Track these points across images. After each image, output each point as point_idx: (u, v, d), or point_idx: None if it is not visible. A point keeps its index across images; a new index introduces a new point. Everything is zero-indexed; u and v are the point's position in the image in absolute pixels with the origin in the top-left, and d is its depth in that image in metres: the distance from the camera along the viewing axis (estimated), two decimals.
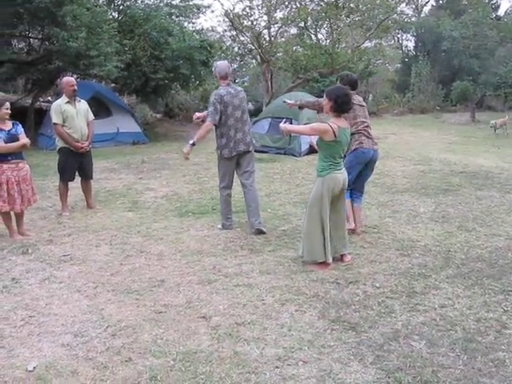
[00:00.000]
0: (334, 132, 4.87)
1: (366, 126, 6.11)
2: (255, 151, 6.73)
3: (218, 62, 6.58)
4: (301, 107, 5.49)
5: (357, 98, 6.10)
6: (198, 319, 4.03)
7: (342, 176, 5.10)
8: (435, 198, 8.09)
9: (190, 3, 18.19)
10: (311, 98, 12.11)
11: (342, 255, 5.33)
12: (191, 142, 6.19)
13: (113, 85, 18.69)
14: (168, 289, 4.64)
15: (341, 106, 4.97)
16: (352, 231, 6.21)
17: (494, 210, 7.41)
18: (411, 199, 8.07)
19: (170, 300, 4.39)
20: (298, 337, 3.73)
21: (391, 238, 6.11)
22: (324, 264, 5.09)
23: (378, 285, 4.68)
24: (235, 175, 6.47)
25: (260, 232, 6.23)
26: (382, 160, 11.88)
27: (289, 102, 6.74)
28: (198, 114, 6.55)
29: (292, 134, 13.33)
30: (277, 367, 3.34)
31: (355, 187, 6.25)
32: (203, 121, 6.32)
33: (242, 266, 5.20)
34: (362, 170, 6.15)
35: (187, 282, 4.78)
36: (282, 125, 5.36)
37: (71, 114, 7.12)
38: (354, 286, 4.67)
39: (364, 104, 6.26)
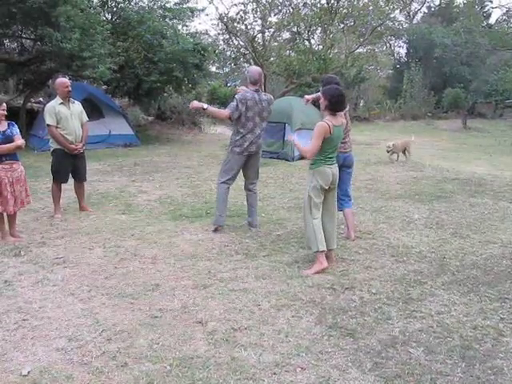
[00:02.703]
0: (330, 130, 5.04)
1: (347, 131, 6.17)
2: None
3: (251, 68, 6.83)
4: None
5: None
6: (193, 324, 3.99)
7: (331, 170, 5.23)
8: (429, 205, 8.10)
9: (184, 6, 18.17)
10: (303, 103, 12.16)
11: (328, 251, 5.34)
12: (205, 106, 6.37)
13: (104, 87, 18.61)
14: (163, 293, 4.60)
15: (335, 105, 5.13)
16: (346, 237, 6.25)
17: (488, 216, 7.43)
18: (405, 205, 8.07)
19: (165, 304, 4.35)
20: (296, 343, 3.70)
21: (386, 244, 6.10)
22: (318, 262, 5.15)
23: (374, 291, 4.66)
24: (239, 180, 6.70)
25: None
26: (374, 165, 11.99)
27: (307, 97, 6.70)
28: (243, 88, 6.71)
29: (285, 138, 13.41)
30: (274, 374, 3.31)
31: (337, 192, 6.27)
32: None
33: (237, 270, 5.17)
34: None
35: (182, 287, 4.74)
36: (293, 138, 5.49)
37: (65, 115, 7.06)
38: (350, 291, 4.66)
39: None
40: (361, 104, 33.18)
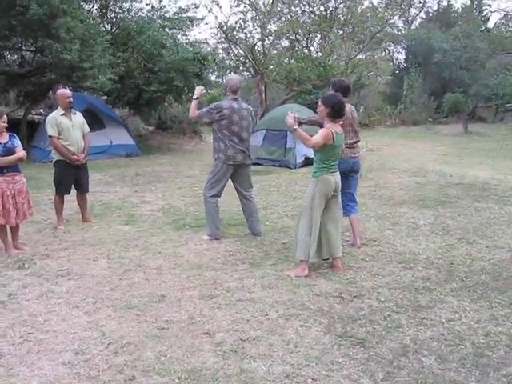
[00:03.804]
0: (333, 137, 5.10)
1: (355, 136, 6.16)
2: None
3: (232, 77, 7.36)
4: (301, 123, 5.60)
5: (351, 108, 6.10)
6: (201, 335, 3.94)
7: (334, 179, 5.28)
8: (434, 210, 8.05)
9: (184, 16, 18.17)
10: (306, 111, 12.13)
11: (334, 259, 5.41)
12: (195, 97, 6.55)
13: (105, 97, 18.61)
14: (169, 304, 4.54)
15: (338, 112, 5.24)
16: (352, 244, 6.20)
17: (494, 221, 7.37)
18: (410, 211, 8.02)
19: (171, 316, 4.29)
20: (305, 353, 3.65)
21: (392, 250, 6.05)
22: (301, 269, 5.23)
23: (382, 299, 4.61)
24: (233, 190, 6.69)
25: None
26: (377, 172, 11.94)
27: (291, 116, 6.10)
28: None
29: (287, 146, 13.37)
30: None
31: (344, 198, 6.21)
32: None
33: (244, 280, 5.11)
34: (344, 178, 6.08)
35: (188, 297, 4.68)
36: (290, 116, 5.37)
37: (67, 126, 7.03)
38: (358, 300, 4.60)
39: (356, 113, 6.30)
40: (361, 110, 33.13)
